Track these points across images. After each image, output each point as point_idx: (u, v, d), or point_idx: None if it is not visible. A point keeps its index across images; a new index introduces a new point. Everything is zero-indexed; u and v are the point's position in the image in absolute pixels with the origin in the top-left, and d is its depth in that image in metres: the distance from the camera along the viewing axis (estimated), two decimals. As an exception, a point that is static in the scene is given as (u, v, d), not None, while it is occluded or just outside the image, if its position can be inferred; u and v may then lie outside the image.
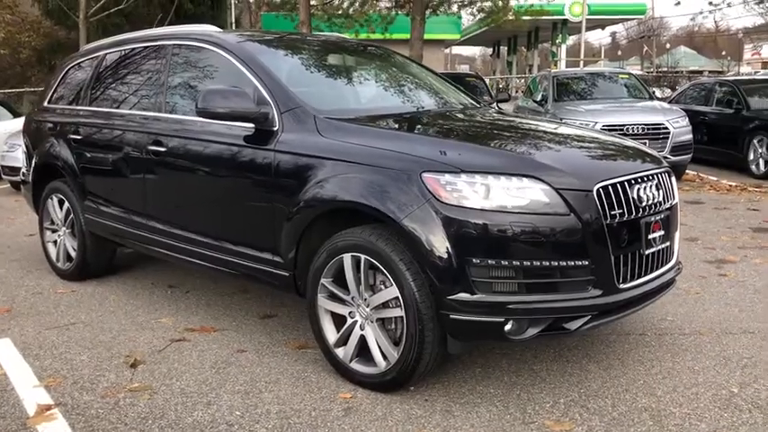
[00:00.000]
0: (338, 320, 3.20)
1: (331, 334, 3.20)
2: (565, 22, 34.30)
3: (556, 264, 2.74)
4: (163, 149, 3.91)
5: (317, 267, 3.16)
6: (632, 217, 2.91)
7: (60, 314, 4.21)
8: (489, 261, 2.70)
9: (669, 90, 21.94)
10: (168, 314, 4.16)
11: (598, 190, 2.81)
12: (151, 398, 3.05)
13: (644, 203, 2.97)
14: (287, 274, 3.36)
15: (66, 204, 4.83)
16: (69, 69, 5.14)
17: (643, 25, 56.51)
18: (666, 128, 9.02)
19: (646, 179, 3.04)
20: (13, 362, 3.47)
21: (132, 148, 4.17)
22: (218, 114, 3.43)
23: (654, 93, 11.96)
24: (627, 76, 11.33)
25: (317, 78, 3.98)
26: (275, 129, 3.39)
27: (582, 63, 31.22)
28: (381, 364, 3.00)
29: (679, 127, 9.14)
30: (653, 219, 3.02)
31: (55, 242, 5.06)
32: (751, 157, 9.98)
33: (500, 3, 16.89)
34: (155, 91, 4.16)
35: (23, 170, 5.60)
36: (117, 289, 4.71)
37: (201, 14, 23.05)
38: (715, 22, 61.65)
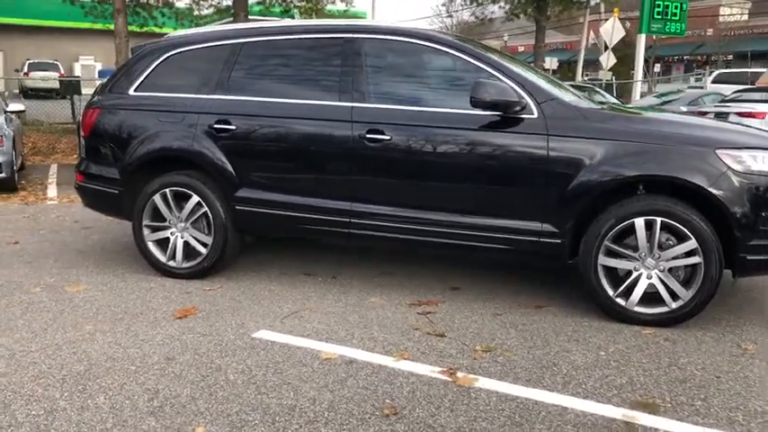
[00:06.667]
0: (610, 275, 3.89)
1: (608, 287, 3.88)
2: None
3: None
4: (386, 137, 4.13)
5: (602, 231, 3.81)
6: None
7: (268, 307, 4.15)
8: (772, 213, 3.69)
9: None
10: (380, 295, 4.37)
11: None
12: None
13: None
14: (559, 242, 3.93)
15: (195, 198, 4.58)
16: (170, 57, 4.77)
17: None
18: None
19: None
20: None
21: (332, 137, 4.27)
22: (487, 103, 3.89)
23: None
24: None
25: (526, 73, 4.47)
26: (531, 117, 3.94)
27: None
28: (671, 303, 3.79)
29: None
30: None
31: (158, 241, 4.72)
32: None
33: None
34: (349, 83, 4.28)
35: (83, 167, 5.05)
36: (258, 282, 4.66)
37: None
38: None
